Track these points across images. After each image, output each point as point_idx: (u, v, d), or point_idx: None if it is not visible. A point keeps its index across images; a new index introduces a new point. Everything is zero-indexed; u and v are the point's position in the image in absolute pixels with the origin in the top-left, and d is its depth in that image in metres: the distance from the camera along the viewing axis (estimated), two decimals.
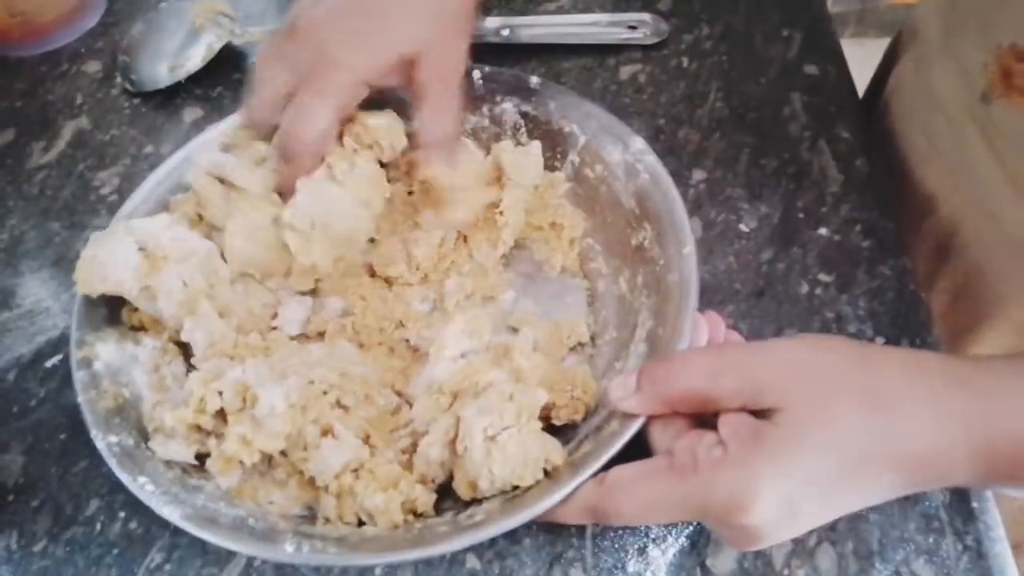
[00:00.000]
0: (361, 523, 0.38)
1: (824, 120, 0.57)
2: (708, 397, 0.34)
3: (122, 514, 0.43)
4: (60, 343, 0.50)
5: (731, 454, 0.32)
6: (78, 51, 0.68)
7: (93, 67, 0.66)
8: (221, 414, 0.39)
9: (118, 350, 0.43)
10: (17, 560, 0.42)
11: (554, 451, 0.37)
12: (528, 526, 0.41)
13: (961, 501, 0.41)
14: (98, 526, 0.43)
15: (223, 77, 0.64)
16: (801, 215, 0.52)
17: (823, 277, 0.49)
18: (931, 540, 0.40)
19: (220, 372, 0.39)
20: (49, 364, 0.49)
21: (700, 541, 0.40)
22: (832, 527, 0.40)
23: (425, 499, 0.38)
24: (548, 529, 0.41)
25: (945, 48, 0.53)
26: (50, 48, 0.68)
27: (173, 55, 0.64)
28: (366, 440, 0.39)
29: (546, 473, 0.37)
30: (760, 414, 0.33)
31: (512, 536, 0.41)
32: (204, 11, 0.64)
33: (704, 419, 0.35)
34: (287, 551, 0.35)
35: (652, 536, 0.41)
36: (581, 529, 0.41)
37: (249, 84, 0.45)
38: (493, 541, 0.41)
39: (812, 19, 0.64)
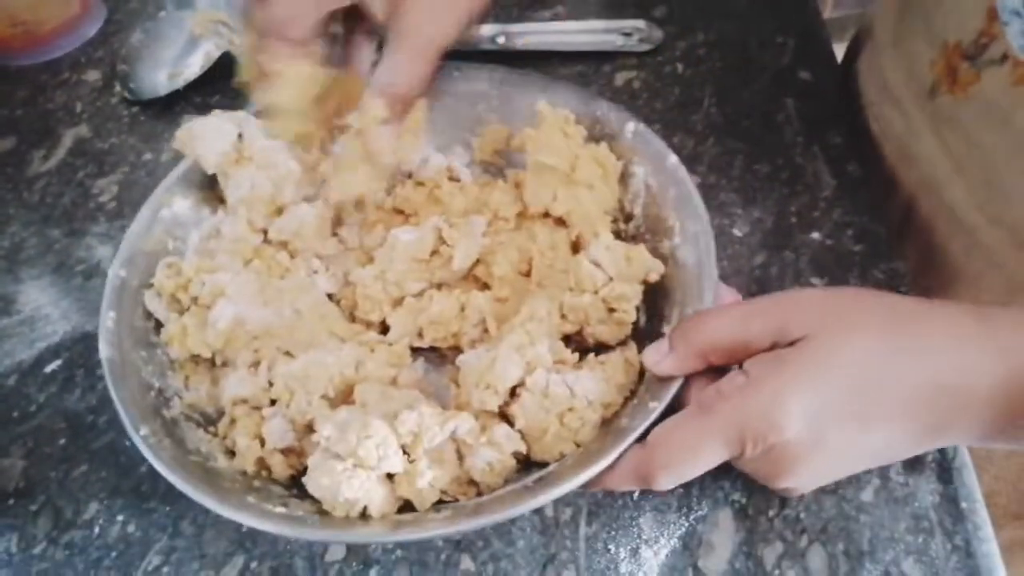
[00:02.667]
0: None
1: (817, 125, 0.58)
2: (740, 341, 0.34)
3: (120, 517, 0.44)
4: (60, 349, 0.50)
5: (753, 378, 0.33)
6: (78, 60, 0.68)
7: (93, 76, 0.67)
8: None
9: (192, 210, 0.48)
10: (17, 563, 0.42)
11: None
12: (522, 527, 0.42)
13: (950, 501, 0.41)
14: (97, 529, 0.43)
15: (222, 85, 0.64)
16: (794, 219, 0.53)
17: (815, 281, 0.50)
18: (920, 540, 0.40)
19: (216, 267, 0.45)
20: (48, 369, 0.50)
21: (692, 542, 0.41)
22: (823, 528, 0.41)
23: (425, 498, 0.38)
24: (542, 531, 0.42)
25: (896, 45, 0.55)
26: (50, 57, 0.68)
27: (172, 63, 0.65)
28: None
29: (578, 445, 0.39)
30: (786, 345, 0.33)
31: (506, 538, 0.42)
32: (203, 20, 0.65)
33: None
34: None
35: (644, 537, 0.41)
36: (575, 531, 0.42)
37: None
38: (487, 543, 0.42)
39: (806, 25, 0.65)
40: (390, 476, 0.38)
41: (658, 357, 0.37)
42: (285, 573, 0.41)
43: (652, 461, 0.34)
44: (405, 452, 0.38)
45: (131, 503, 0.44)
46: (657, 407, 0.36)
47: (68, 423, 0.47)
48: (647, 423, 0.36)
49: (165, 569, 0.42)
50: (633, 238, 0.47)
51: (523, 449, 0.39)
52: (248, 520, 0.35)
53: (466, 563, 0.41)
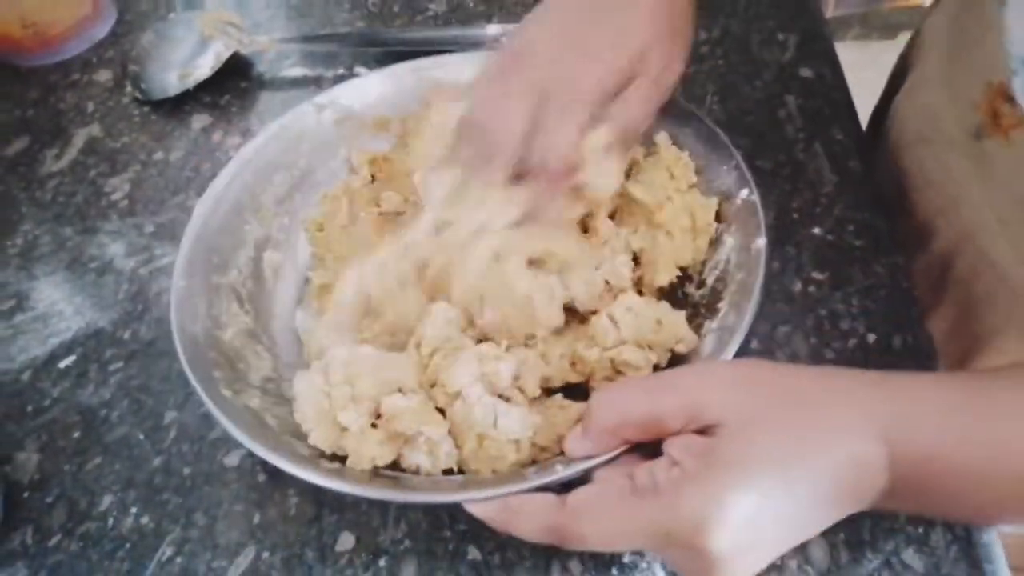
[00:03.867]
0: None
1: (819, 122, 0.58)
2: (652, 417, 0.34)
3: (134, 509, 0.44)
4: (73, 344, 0.51)
5: (688, 472, 0.31)
6: (89, 60, 0.69)
7: (104, 76, 0.68)
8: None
9: (282, 153, 0.52)
10: (32, 554, 0.43)
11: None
12: None
13: None
14: (111, 521, 0.44)
15: (231, 85, 0.65)
16: (796, 215, 0.53)
17: (817, 275, 0.50)
18: (921, 530, 0.41)
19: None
20: (62, 365, 0.50)
21: None
22: None
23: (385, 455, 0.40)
24: None
25: (941, 82, 0.53)
26: (62, 58, 0.70)
27: (182, 64, 0.66)
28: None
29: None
30: (704, 432, 0.32)
31: None
32: (212, 21, 0.66)
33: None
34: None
35: None
36: None
37: (470, 130, 0.43)
38: (494, 534, 0.42)
39: (808, 23, 0.65)
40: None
41: (576, 444, 0.36)
42: (296, 563, 0.42)
43: (571, 527, 0.33)
44: (380, 416, 0.40)
45: (144, 495, 0.45)
46: (561, 472, 0.36)
47: (82, 417, 0.48)
48: (543, 482, 0.35)
49: (178, 560, 0.43)
50: (694, 306, 0.45)
51: (453, 453, 0.40)
52: (221, 417, 0.39)
53: (473, 553, 0.42)
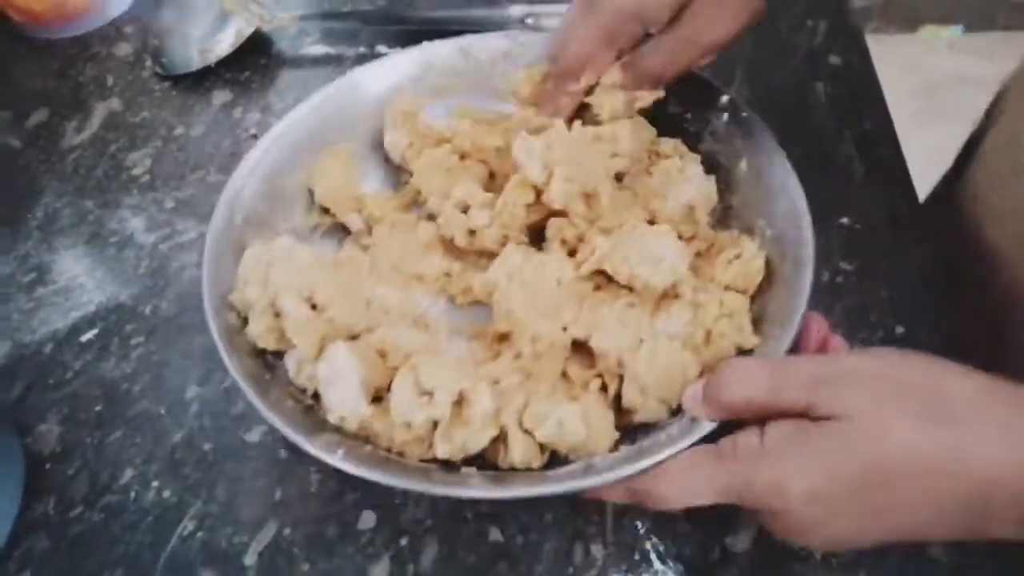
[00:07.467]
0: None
1: (847, 110, 0.57)
2: (768, 408, 0.34)
3: (155, 483, 0.44)
4: (95, 318, 0.51)
5: (767, 446, 0.32)
6: (109, 34, 0.69)
7: (124, 50, 0.68)
8: None
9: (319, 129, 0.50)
10: (54, 524, 0.43)
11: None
12: (551, 502, 0.42)
13: None
14: (132, 494, 0.44)
15: (251, 61, 0.65)
16: (824, 203, 0.53)
17: (845, 265, 0.50)
18: None
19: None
20: (84, 338, 0.50)
21: (719, 520, 0.41)
22: None
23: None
24: (571, 505, 0.42)
25: None
26: (82, 31, 0.69)
27: (203, 39, 0.65)
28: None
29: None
30: (814, 419, 0.32)
31: (535, 511, 0.42)
32: None
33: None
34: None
35: (671, 514, 0.41)
36: (602, 506, 0.42)
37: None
38: (516, 516, 0.42)
39: (836, 10, 0.65)
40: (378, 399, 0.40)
41: (693, 403, 0.37)
42: (318, 540, 0.42)
43: (651, 487, 0.34)
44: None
45: (166, 469, 0.45)
46: (679, 444, 0.35)
47: (103, 390, 0.48)
48: (619, 475, 0.35)
49: (199, 534, 0.43)
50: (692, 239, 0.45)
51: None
52: (235, 373, 0.38)
53: (495, 535, 0.42)
